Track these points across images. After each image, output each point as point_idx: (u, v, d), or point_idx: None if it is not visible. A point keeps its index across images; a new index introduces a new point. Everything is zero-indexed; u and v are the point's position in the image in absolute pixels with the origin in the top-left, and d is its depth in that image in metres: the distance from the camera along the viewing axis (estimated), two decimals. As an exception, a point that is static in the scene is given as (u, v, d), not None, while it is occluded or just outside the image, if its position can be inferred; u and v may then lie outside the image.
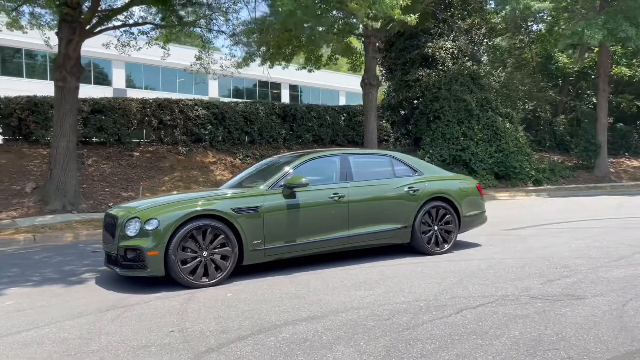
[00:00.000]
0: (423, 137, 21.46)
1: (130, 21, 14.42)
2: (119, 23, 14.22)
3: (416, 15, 12.00)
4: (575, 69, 25.33)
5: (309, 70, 21.88)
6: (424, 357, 3.48)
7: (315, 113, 20.64)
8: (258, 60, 20.27)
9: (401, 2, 10.18)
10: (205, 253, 5.61)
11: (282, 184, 6.18)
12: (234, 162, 18.13)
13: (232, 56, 18.31)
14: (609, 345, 3.61)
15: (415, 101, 21.84)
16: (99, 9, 12.45)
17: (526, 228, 9.55)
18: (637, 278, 5.44)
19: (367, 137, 18.99)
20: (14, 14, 14.65)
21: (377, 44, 19.28)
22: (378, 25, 12.53)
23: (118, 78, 35.89)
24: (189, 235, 5.54)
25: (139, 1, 12.12)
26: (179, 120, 17.83)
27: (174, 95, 28.43)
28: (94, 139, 16.63)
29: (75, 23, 12.18)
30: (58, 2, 12.19)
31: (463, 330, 4.01)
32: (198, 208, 5.63)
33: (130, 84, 37.27)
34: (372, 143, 18.87)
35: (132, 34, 14.93)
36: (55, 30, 12.94)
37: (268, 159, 7.62)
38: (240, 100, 28.32)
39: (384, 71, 23.72)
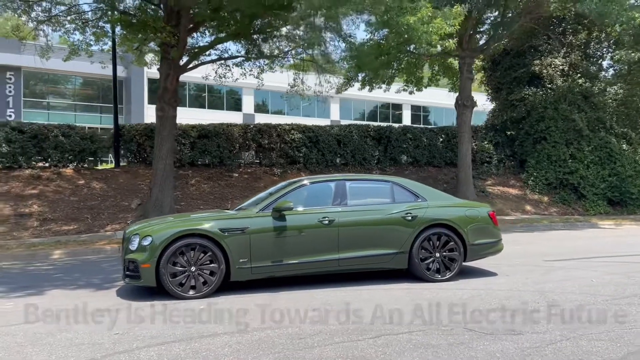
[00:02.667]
0: (528, 159, 20.36)
1: (226, 55, 15.89)
2: (215, 57, 15.77)
3: (455, 40, 11.72)
4: None
5: (410, 92, 22.03)
6: (282, 374, 3.76)
7: (411, 135, 20.65)
8: (357, 85, 20.93)
9: (431, 29, 10.01)
10: (193, 268, 6.28)
11: (273, 207, 6.66)
12: (325, 183, 18.83)
13: (327, 82, 19.09)
14: (468, 381, 3.56)
15: (523, 121, 20.80)
16: (187, 47, 14.00)
17: (572, 260, 8.85)
18: (610, 319, 5.01)
19: (460, 159, 18.58)
20: (139, 53, 17.08)
21: (472, 65, 18.84)
22: (437, 50, 12.42)
23: (247, 104, 38.85)
24: (179, 251, 6.25)
25: (220, 40, 13.42)
26: (276, 144, 19.04)
27: (298, 120, 30.13)
28: (199, 161, 18.43)
29: (170, 60, 13.84)
30: (160, 42, 14.04)
31: (356, 353, 4.16)
32: (187, 227, 6.34)
33: (259, 109, 40.12)
34: (466, 165, 18.42)
35: (228, 66, 16.42)
36: (157, 66, 14.78)
37: (284, 182, 8.11)
38: (362, 122, 29.04)
39: (489, 91, 22.97)
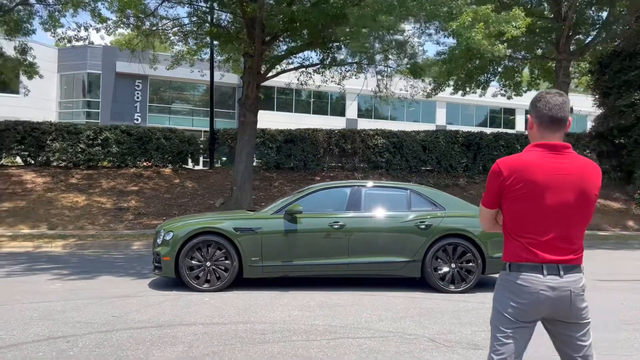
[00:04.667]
0: (636, 170, 18.56)
1: (307, 63, 16.49)
2: (297, 65, 16.43)
3: (505, 45, 10.97)
4: None
5: (508, 97, 21.17)
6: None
7: (504, 141, 19.74)
8: (448, 90, 20.53)
9: (474, 34, 9.47)
10: (208, 263, 6.78)
11: (286, 209, 6.97)
12: (408, 189, 18.69)
13: (412, 87, 18.92)
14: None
15: (633, 129, 18.99)
16: (265, 57, 14.76)
17: (627, 281, 8.06)
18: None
19: (552, 168, 17.45)
20: (232, 62, 18.34)
21: (569, 68, 17.64)
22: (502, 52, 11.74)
23: (351, 109, 39.32)
24: (196, 247, 6.79)
25: (292, 50, 13.99)
26: (359, 149, 19.27)
27: (401, 124, 30.09)
28: (284, 165, 19.19)
29: (248, 69, 14.69)
30: (242, 52, 15.00)
31: (300, 352, 4.36)
32: (204, 225, 6.86)
33: (366, 114, 40.42)
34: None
35: (310, 73, 16.99)
36: (241, 75, 15.72)
37: (309, 186, 8.31)
38: (462, 128, 28.32)
39: (596, 95, 21.23)
